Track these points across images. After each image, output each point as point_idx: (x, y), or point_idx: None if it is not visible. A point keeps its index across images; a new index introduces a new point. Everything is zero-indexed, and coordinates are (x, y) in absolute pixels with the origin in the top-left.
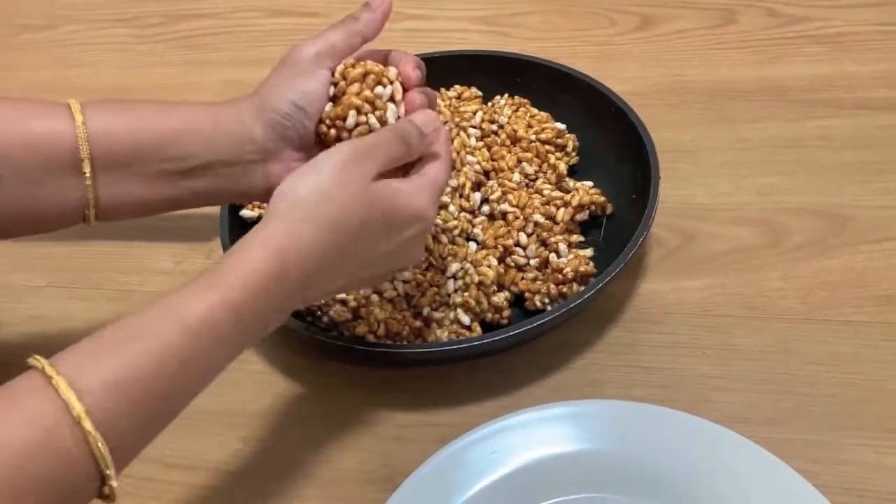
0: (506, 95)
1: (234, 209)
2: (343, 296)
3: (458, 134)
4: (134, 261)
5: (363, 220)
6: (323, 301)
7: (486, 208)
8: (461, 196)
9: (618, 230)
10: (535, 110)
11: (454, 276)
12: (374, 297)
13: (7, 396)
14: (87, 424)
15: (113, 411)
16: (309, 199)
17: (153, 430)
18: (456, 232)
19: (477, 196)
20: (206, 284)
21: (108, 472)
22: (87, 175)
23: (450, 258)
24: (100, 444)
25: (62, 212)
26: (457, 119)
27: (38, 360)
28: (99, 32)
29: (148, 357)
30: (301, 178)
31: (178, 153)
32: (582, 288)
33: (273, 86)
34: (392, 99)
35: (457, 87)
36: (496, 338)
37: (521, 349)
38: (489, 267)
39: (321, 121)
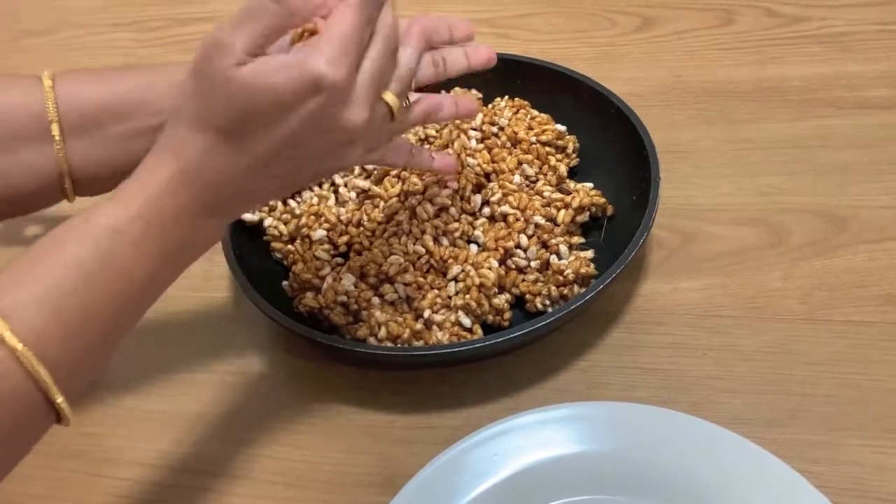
0: (506, 97)
1: None
2: (344, 298)
3: (459, 136)
4: None
5: (240, 111)
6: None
7: (486, 210)
8: (462, 198)
9: (619, 231)
10: (535, 112)
11: (455, 279)
12: (375, 300)
13: None
14: (13, 341)
15: (42, 326)
16: (178, 102)
17: (98, 344)
18: (457, 234)
19: (477, 198)
20: (109, 199)
21: (49, 389)
22: (57, 138)
23: (450, 260)
24: (31, 359)
25: (40, 184)
26: (457, 121)
27: None
28: (99, 37)
29: (64, 268)
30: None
31: (149, 108)
32: (583, 289)
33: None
34: None
35: (457, 89)
36: (497, 340)
37: (522, 351)
38: (490, 269)
39: None
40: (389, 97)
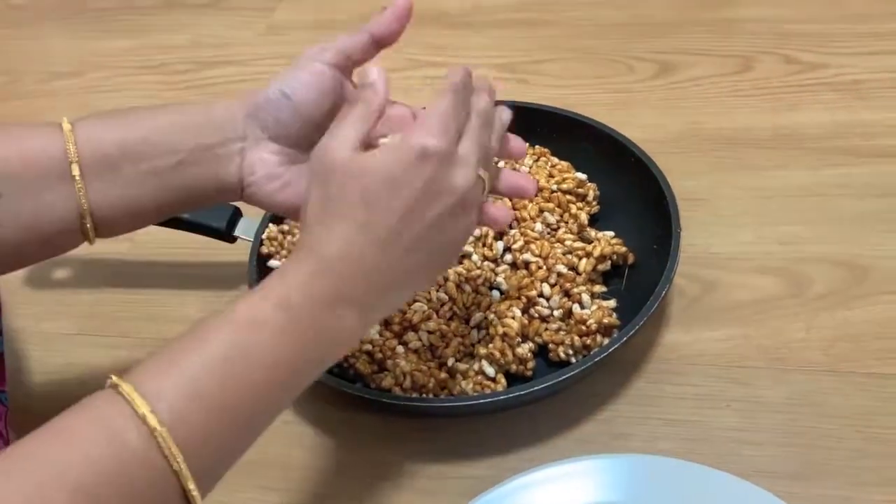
0: (526, 145)
1: (262, 259)
2: (369, 347)
3: None
4: (160, 309)
5: (362, 194)
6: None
7: (508, 257)
8: (484, 245)
9: (640, 279)
10: (555, 160)
11: (478, 326)
12: (400, 349)
13: (83, 408)
14: (153, 422)
15: (181, 411)
16: (314, 200)
17: (234, 435)
18: (479, 281)
19: (499, 245)
20: (249, 293)
21: (182, 474)
22: (77, 178)
23: (473, 307)
24: (169, 442)
25: (62, 226)
26: None
27: (111, 378)
28: (126, 79)
29: (203, 357)
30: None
31: (168, 147)
32: (606, 339)
33: (271, 81)
34: None
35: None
36: (521, 392)
37: (545, 400)
38: (513, 318)
39: None
40: (482, 171)
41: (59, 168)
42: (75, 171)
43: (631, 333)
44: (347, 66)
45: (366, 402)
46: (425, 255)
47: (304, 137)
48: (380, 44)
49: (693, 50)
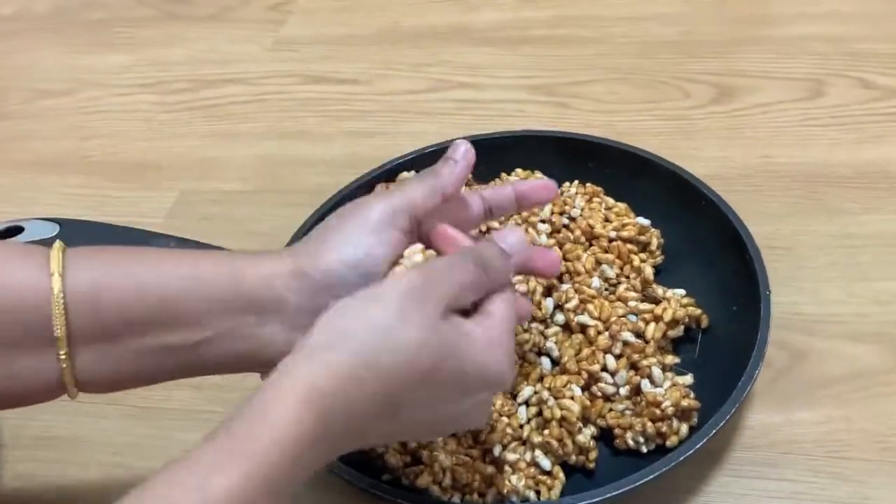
0: (576, 182)
1: None
2: None
3: (527, 230)
4: None
5: (430, 370)
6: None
7: (559, 317)
8: (531, 303)
9: (715, 345)
10: (610, 200)
11: (527, 402)
12: None
13: None
14: None
15: None
16: (364, 337)
17: None
18: (527, 347)
19: (549, 303)
20: (229, 452)
21: None
22: (63, 356)
23: (520, 379)
24: None
25: (37, 388)
26: (524, 213)
27: None
28: (120, 99)
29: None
30: (356, 306)
31: (181, 323)
32: (683, 425)
33: (323, 240)
34: None
35: (518, 171)
36: (588, 501)
37: (612, 499)
38: (573, 398)
39: None
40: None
41: (39, 334)
42: (61, 348)
43: (720, 426)
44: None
45: None
46: (426, 434)
47: None
48: (447, 200)
49: (753, 72)
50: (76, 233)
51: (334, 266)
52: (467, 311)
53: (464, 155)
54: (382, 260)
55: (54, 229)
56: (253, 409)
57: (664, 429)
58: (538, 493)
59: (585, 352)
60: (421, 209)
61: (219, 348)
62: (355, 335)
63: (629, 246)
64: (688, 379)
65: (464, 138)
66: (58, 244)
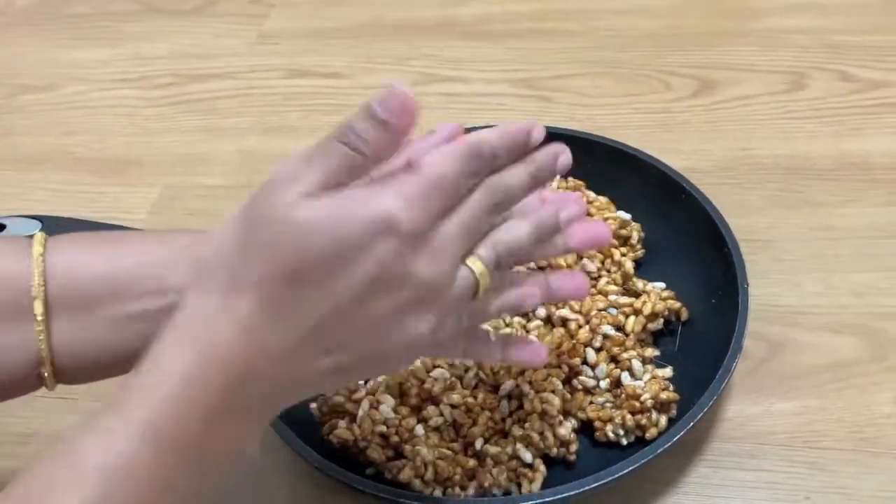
0: (557, 177)
1: None
2: (382, 428)
3: None
4: None
5: (289, 260)
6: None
7: (542, 311)
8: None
9: (694, 338)
10: (592, 194)
11: (509, 396)
12: (419, 428)
13: None
14: None
15: None
16: (216, 260)
17: None
18: None
19: None
20: (110, 412)
21: None
22: (40, 318)
23: (503, 373)
24: None
25: (14, 372)
26: None
27: None
28: (102, 94)
29: None
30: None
31: (156, 285)
32: (662, 417)
33: None
34: None
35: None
36: (570, 494)
37: (592, 491)
38: (553, 392)
39: None
40: (477, 264)
41: (18, 301)
42: (38, 308)
43: (698, 417)
44: None
45: (382, 499)
46: (354, 359)
47: None
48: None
49: (736, 65)
50: (58, 230)
51: None
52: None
53: (447, 129)
54: None
55: (36, 227)
56: (139, 369)
57: (644, 421)
58: (519, 485)
59: (566, 345)
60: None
61: None
62: (209, 264)
63: (610, 240)
64: (667, 371)
65: None
66: (41, 233)
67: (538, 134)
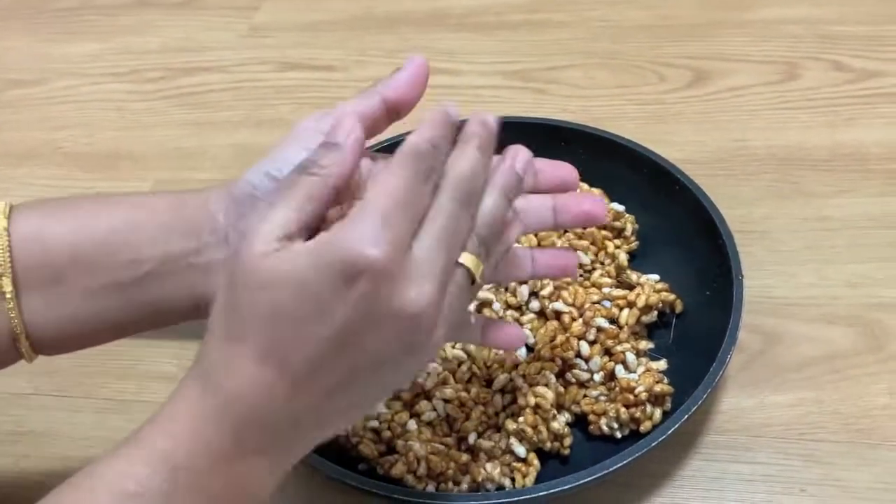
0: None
1: None
2: (374, 423)
3: None
4: (131, 363)
5: (272, 310)
6: (337, 433)
7: (535, 304)
8: (506, 290)
9: (689, 330)
10: (585, 186)
11: (502, 390)
12: (411, 424)
13: None
14: None
15: None
16: (216, 311)
17: None
18: None
19: (524, 290)
20: (132, 442)
21: None
22: (9, 295)
23: (496, 367)
24: None
25: None
26: None
27: None
28: (92, 88)
29: None
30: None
31: (130, 255)
32: (657, 410)
33: (259, 160)
34: None
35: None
36: (563, 487)
37: (587, 485)
38: (547, 386)
39: None
40: (467, 259)
41: None
42: (6, 285)
43: (693, 410)
44: None
45: (375, 497)
46: (358, 394)
47: None
48: (393, 112)
49: (729, 55)
50: None
51: (251, 175)
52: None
53: (411, 62)
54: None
55: None
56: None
57: (638, 414)
58: (513, 480)
59: (560, 339)
60: (357, 115)
61: (163, 285)
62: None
63: (604, 232)
64: (661, 364)
65: None
66: (4, 203)
67: (453, 109)
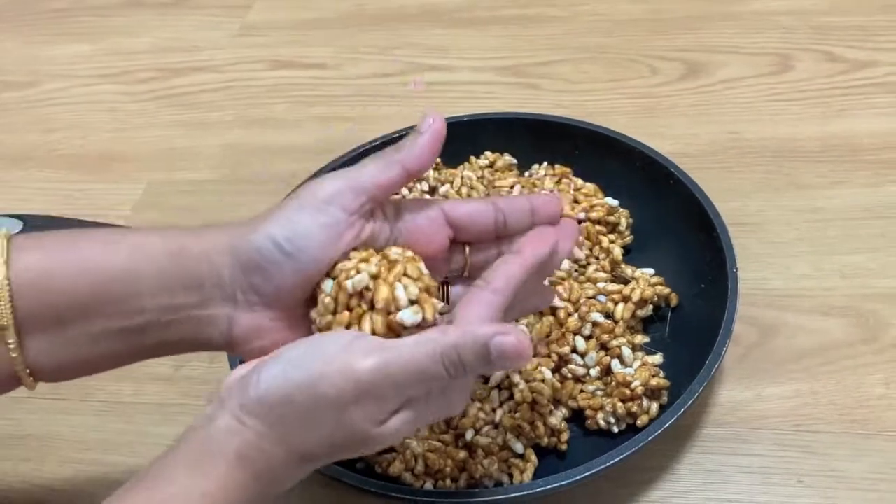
0: (545, 164)
1: None
2: None
3: None
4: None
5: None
6: None
7: None
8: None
9: (684, 323)
10: (579, 181)
11: (499, 386)
12: None
13: None
14: None
15: None
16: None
17: None
18: None
19: None
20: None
21: None
22: (13, 345)
23: None
24: None
25: None
26: (491, 194)
27: None
28: (84, 90)
29: None
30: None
31: (130, 306)
32: (653, 404)
33: (264, 217)
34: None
35: (488, 154)
36: (561, 483)
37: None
38: (543, 381)
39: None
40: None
41: None
42: (10, 337)
43: (689, 404)
44: (373, 208)
45: (372, 495)
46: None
47: (312, 298)
48: (412, 177)
49: (722, 47)
50: (41, 229)
51: (261, 242)
52: None
53: (429, 127)
54: (310, 236)
55: (18, 226)
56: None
57: (634, 408)
58: (511, 476)
59: (555, 334)
60: (376, 186)
61: (165, 331)
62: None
63: (598, 227)
64: (657, 358)
65: None
66: (2, 232)
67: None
